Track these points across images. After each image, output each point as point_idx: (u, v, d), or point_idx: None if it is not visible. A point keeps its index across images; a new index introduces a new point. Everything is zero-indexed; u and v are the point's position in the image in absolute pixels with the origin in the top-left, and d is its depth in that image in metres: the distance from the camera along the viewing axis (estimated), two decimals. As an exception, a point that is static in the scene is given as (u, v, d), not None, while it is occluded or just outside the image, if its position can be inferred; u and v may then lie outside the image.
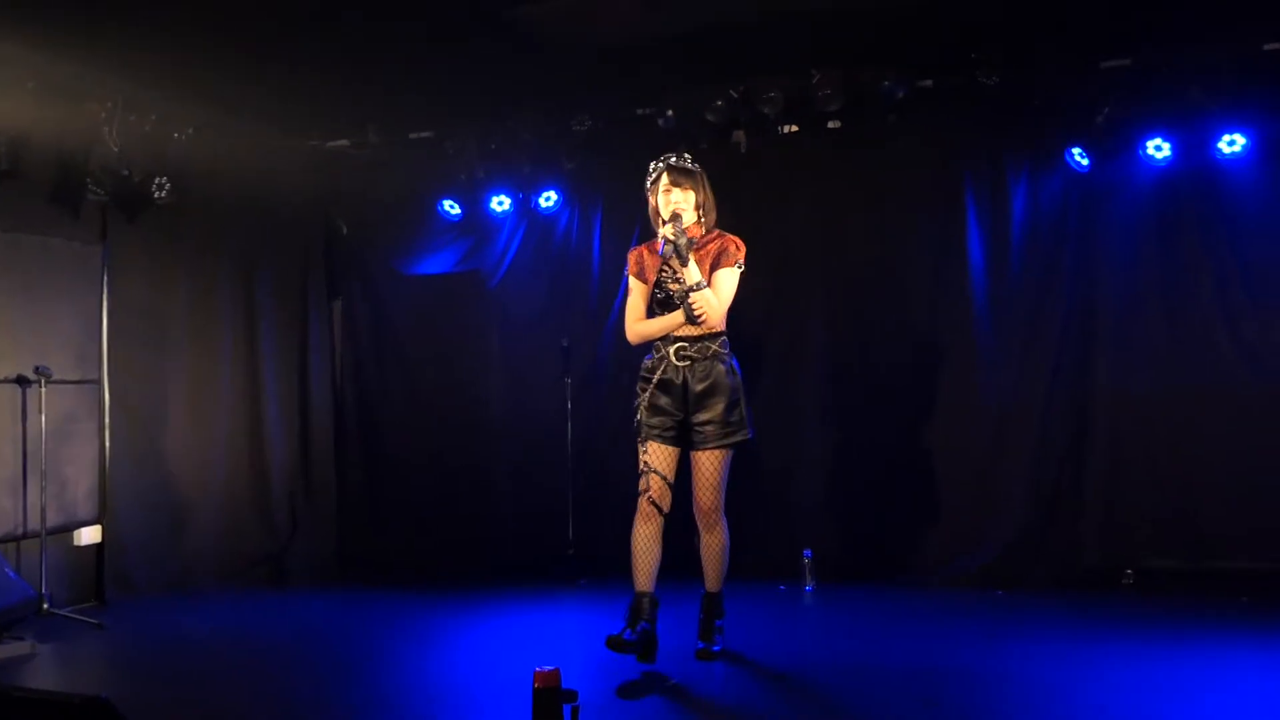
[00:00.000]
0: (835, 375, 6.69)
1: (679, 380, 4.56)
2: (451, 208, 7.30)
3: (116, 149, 6.02)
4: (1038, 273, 6.36)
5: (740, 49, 5.98)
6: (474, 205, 7.24)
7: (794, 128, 6.71)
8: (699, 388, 4.54)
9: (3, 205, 5.88)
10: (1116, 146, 6.03)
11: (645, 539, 4.55)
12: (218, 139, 6.55)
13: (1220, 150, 5.81)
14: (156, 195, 6.32)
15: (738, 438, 4.57)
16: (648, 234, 4.83)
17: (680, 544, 4.89)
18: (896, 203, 6.62)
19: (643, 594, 4.51)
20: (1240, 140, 5.76)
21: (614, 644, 4.34)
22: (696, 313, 4.45)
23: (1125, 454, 6.19)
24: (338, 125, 7.10)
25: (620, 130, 6.75)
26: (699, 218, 4.61)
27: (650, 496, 4.53)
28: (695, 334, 4.57)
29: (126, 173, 6.20)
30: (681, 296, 4.49)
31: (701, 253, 4.58)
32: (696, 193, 4.58)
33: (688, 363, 4.56)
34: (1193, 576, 5.93)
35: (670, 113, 6.45)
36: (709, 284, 4.51)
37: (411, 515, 7.43)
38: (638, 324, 4.68)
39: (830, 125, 6.58)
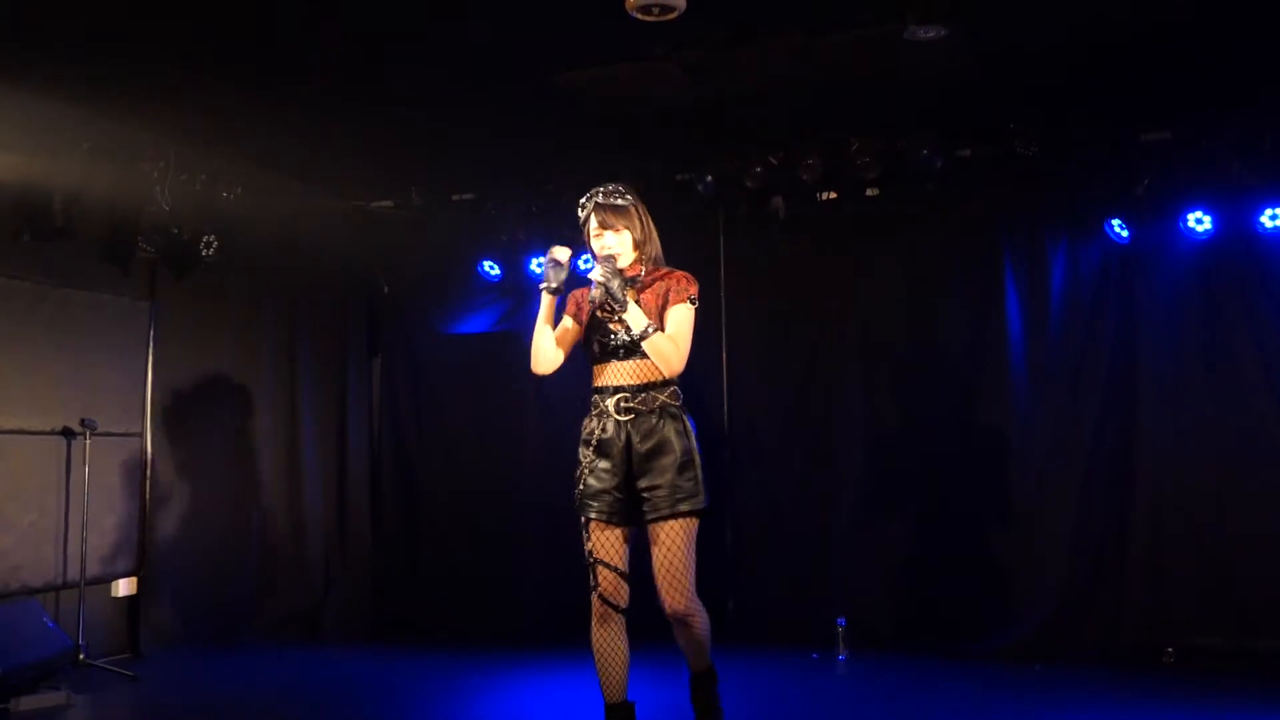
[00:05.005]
0: (872, 441, 6.66)
1: (620, 439, 3.85)
2: (492, 268, 7.38)
3: (167, 208, 6.14)
4: (1078, 342, 6.32)
5: (780, 116, 6.03)
6: (514, 267, 7.31)
7: (833, 194, 6.75)
8: (643, 447, 3.82)
9: (56, 262, 6.02)
10: (1157, 218, 6.01)
11: (605, 642, 3.96)
12: (265, 198, 6.68)
13: (1262, 224, 5.79)
14: (204, 253, 6.44)
15: (688, 505, 3.81)
16: None
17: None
18: (935, 270, 6.63)
19: (614, 706, 4.00)
20: (1283, 214, 5.74)
21: None
22: (653, 357, 3.83)
23: (1167, 526, 6.08)
24: (382, 186, 7.23)
25: (660, 195, 6.69)
26: (638, 256, 3.99)
27: (601, 593, 3.93)
28: (639, 381, 3.87)
29: (176, 231, 6.32)
30: (624, 342, 3.88)
31: (647, 293, 3.94)
32: (632, 230, 3.95)
33: (630, 416, 3.85)
34: (1236, 655, 5.80)
35: (709, 178, 6.51)
36: (660, 327, 3.87)
37: (446, 573, 7.43)
38: (536, 336, 4.07)
39: (869, 193, 6.60)
